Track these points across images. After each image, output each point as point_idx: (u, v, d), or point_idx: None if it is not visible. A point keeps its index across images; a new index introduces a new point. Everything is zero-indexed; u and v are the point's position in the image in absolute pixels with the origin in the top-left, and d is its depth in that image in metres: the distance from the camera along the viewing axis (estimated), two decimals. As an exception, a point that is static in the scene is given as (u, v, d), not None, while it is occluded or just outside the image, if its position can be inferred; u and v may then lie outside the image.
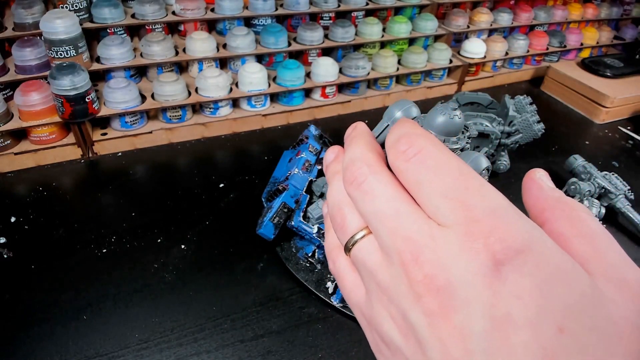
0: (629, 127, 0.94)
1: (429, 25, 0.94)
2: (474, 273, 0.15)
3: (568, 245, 0.17)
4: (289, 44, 0.84)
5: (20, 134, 0.69)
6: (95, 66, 0.71)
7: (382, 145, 0.32)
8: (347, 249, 0.20)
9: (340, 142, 0.76)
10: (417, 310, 0.16)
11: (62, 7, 0.68)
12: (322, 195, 0.55)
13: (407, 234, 0.17)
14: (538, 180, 0.20)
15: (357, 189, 0.19)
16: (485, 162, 0.41)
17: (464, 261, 0.15)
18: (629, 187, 0.66)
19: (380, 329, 0.19)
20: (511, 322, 0.14)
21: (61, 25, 0.63)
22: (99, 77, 0.77)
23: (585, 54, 1.17)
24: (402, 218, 0.17)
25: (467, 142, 0.44)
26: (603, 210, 0.61)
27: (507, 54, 1.05)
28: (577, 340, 0.14)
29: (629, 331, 0.15)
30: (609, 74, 1.00)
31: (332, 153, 0.25)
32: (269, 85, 0.81)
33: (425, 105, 0.96)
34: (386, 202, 0.18)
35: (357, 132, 0.23)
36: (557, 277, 0.15)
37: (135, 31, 0.83)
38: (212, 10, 0.81)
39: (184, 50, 0.79)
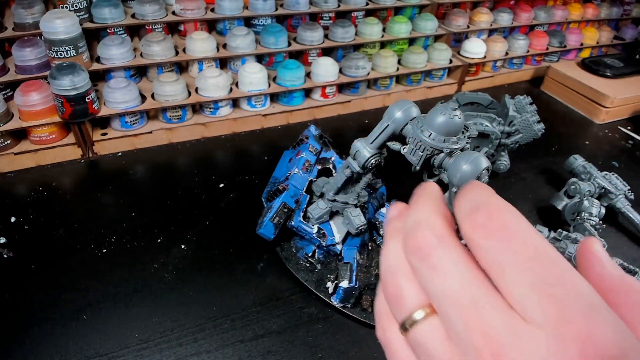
0: (629, 127, 0.94)
1: (429, 25, 0.94)
2: None
3: (636, 334, 0.16)
4: (289, 44, 0.84)
5: (20, 134, 0.69)
6: (95, 66, 0.71)
7: (383, 146, 0.31)
8: (404, 328, 0.18)
9: (340, 141, 0.76)
10: None
11: (62, 7, 0.68)
12: (322, 196, 0.55)
13: (487, 328, 0.15)
14: (598, 254, 0.18)
15: (423, 261, 0.17)
16: (485, 162, 0.41)
17: None
18: (629, 187, 0.66)
19: None
20: None
21: (61, 25, 0.63)
22: (99, 77, 0.77)
23: (585, 54, 1.17)
24: (481, 308, 0.15)
25: (467, 142, 0.44)
26: (603, 210, 0.61)
27: (507, 54, 1.05)
28: None
29: None
30: (609, 74, 1.00)
31: (395, 210, 0.22)
32: (269, 85, 0.81)
33: (425, 105, 0.96)
34: (460, 285, 0.16)
35: (426, 192, 0.20)
36: None
37: (135, 31, 0.83)
38: (212, 10, 0.81)
39: (184, 50, 0.79)
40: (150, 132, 0.74)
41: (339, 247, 0.52)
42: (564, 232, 0.57)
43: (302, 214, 0.53)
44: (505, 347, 0.14)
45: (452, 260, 0.16)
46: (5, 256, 0.53)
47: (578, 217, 0.62)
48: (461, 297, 0.15)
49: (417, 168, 0.45)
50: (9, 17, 0.71)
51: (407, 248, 0.18)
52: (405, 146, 0.45)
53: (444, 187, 0.45)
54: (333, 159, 0.62)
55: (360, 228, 0.51)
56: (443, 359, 0.16)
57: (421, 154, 0.43)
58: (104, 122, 0.74)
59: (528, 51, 1.07)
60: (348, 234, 0.53)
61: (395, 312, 0.18)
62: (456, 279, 0.16)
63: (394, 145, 0.47)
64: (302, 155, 0.59)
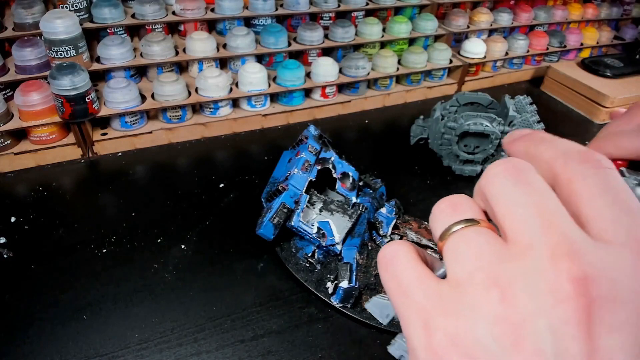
0: (629, 127, 0.94)
1: (429, 25, 0.94)
2: None
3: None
4: (289, 44, 0.84)
5: (20, 134, 0.69)
6: (95, 66, 0.71)
7: None
8: (459, 226, 0.18)
9: (339, 141, 0.76)
10: (555, 317, 0.14)
11: (62, 7, 0.68)
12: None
13: (572, 235, 0.16)
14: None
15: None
16: None
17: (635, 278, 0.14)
18: (628, 187, 0.66)
19: (471, 329, 0.16)
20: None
21: (61, 25, 0.63)
22: (99, 77, 0.77)
23: (585, 54, 1.17)
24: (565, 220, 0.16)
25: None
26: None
27: (507, 54, 1.05)
28: None
29: None
30: (609, 74, 1.00)
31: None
32: (269, 85, 0.81)
33: (425, 105, 0.96)
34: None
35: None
36: None
37: (135, 31, 0.83)
38: (212, 10, 0.81)
39: (184, 50, 0.79)
40: (150, 132, 0.74)
41: (338, 247, 0.52)
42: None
43: (301, 214, 0.53)
44: (585, 250, 0.15)
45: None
46: (5, 256, 0.53)
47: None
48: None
49: None
50: (9, 17, 0.71)
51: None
52: None
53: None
54: (332, 159, 0.62)
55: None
56: (499, 257, 0.16)
57: None
58: (104, 122, 0.74)
59: (528, 51, 1.07)
60: (348, 233, 0.53)
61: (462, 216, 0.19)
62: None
63: None
64: (302, 156, 0.59)
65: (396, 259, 0.19)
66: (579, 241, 0.15)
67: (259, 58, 0.85)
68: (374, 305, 0.48)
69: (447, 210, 0.19)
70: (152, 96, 0.75)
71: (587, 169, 0.17)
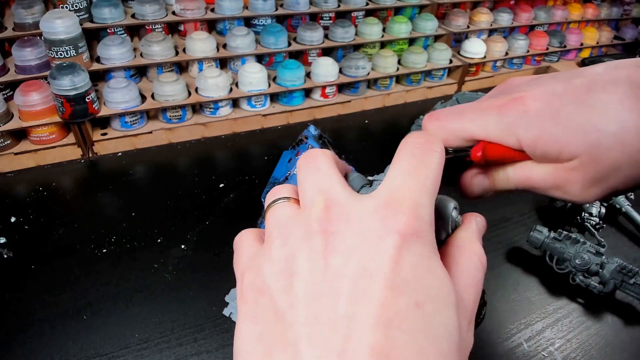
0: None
1: (429, 25, 0.94)
2: (375, 232, 0.19)
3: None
4: (289, 44, 0.84)
5: (20, 134, 0.69)
6: (95, 66, 0.71)
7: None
8: (272, 204, 0.24)
9: (340, 141, 0.76)
10: (305, 247, 0.20)
11: (62, 7, 0.68)
12: None
13: (332, 192, 0.21)
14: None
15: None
16: None
17: (372, 221, 0.19)
18: (629, 187, 0.66)
19: (260, 271, 0.21)
20: (371, 276, 0.18)
21: (61, 25, 0.63)
22: (99, 77, 0.77)
23: (585, 54, 1.17)
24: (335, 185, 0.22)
25: None
26: (603, 210, 0.61)
27: (507, 54, 1.05)
28: None
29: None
30: (609, 74, 1.00)
31: None
32: (269, 85, 0.81)
33: (425, 105, 0.97)
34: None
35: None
36: None
37: (135, 31, 0.83)
38: (212, 10, 0.81)
39: (184, 50, 0.79)
40: (150, 132, 0.74)
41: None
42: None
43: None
44: (337, 200, 0.21)
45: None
46: (5, 256, 0.53)
47: (578, 217, 0.62)
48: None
49: None
50: (9, 17, 0.71)
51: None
52: None
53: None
54: (333, 159, 0.62)
55: None
56: (289, 218, 0.22)
57: None
58: (104, 122, 0.74)
59: (528, 51, 1.07)
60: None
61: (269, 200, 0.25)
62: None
63: None
64: (302, 155, 0.59)
65: (240, 240, 0.25)
66: (335, 198, 0.21)
67: (259, 58, 0.85)
68: (231, 297, 0.51)
69: (269, 196, 0.25)
70: (152, 96, 0.75)
71: (413, 146, 0.23)
